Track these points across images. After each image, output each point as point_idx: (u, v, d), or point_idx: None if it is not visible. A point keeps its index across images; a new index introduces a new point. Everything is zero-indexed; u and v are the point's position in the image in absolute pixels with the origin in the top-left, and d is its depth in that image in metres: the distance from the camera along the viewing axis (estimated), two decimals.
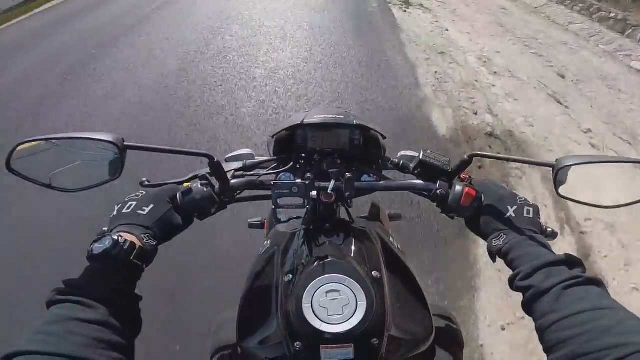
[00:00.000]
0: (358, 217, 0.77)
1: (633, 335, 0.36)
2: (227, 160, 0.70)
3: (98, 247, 0.47)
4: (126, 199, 0.56)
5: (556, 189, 0.52)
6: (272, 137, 0.69)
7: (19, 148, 0.50)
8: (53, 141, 0.51)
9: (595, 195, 0.53)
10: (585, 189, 0.53)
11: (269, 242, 0.73)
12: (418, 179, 0.64)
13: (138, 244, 0.49)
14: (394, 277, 0.61)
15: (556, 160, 0.51)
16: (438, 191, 0.59)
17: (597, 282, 0.44)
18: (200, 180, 0.60)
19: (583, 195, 0.53)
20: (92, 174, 0.54)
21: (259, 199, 0.68)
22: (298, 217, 0.78)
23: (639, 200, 0.52)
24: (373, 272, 0.56)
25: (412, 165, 0.65)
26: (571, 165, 0.50)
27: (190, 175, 0.63)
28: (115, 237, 0.48)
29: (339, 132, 0.66)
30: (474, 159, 0.59)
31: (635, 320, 0.39)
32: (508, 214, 0.53)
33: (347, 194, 0.60)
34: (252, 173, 0.66)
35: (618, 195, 0.53)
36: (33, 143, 0.51)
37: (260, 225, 1.07)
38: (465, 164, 0.59)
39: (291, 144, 0.68)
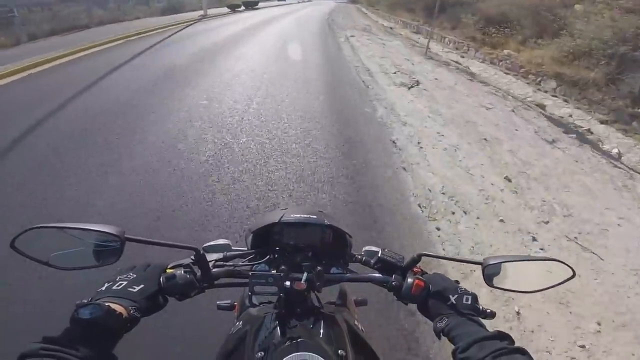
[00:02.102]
0: (326, 303, 0.84)
1: None
2: (204, 249, 0.78)
3: (86, 313, 0.52)
4: (117, 279, 0.62)
5: (485, 281, 0.66)
6: (251, 232, 0.78)
7: (27, 232, 0.56)
8: (61, 229, 0.57)
9: (519, 283, 0.67)
10: (511, 278, 0.67)
11: (240, 323, 0.77)
12: (378, 272, 0.75)
13: (125, 314, 0.55)
14: (358, 358, 0.67)
15: (483, 259, 0.65)
16: (393, 283, 0.70)
17: (522, 351, 0.54)
18: (183, 268, 0.67)
19: (509, 283, 0.67)
20: (91, 258, 0.60)
21: (236, 285, 0.75)
22: (269, 302, 0.83)
23: (551, 286, 0.65)
24: (339, 351, 0.62)
25: (372, 261, 0.76)
26: (495, 264, 0.64)
27: (175, 263, 0.70)
28: (105, 306, 0.53)
29: (311, 230, 0.76)
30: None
31: None
32: (450, 302, 0.64)
33: (318, 284, 0.68)
34: (231, 263, 0.74)
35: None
36: (41, 229, 0.56)
37: (230, 308, 1.08)
38: (414, 261, 0.71)
39: (268, 238, 0.77)
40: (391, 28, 15.62)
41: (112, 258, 0.60)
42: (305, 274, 0.68)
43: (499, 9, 9.50)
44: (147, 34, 11.86)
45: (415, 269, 0.72)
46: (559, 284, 0.65)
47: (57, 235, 0.57)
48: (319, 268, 0.69)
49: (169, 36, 11.31)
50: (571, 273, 0.64)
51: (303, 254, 0.75)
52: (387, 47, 10.25)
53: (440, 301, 0.65)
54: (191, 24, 14.93)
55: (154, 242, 0.62)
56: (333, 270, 0.76)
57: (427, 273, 0.73)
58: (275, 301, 0.77)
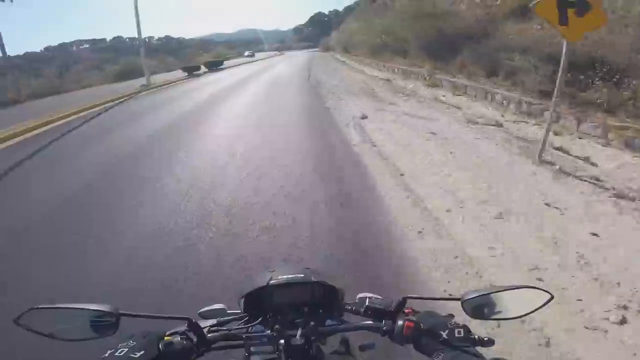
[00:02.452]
0: (331, 354, 0.84)
1: None
2: (200, 314, 0.83)
3: None
4: (118, 346, 0.66)
5: (466, 313, 0.68)
6: (242, 296, 0.81)
7: (29, 312, 0.63)
8: (62, 310, 0.64)
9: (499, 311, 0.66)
10: (491, 308, 0.67)
11: None
12: (369, 319, 0.77)
13: None
14: None
15: (461, 295, 0.67)
16: (384, 328, 0.72)
17: None
18: (180, 335, 0.71)
19: (490, 313, 0.68)
20: (91, 330, 0.66)
21: (233, 347, 0.77)
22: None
23: (531, 311, 0.66)
24: None
25: (362, 310, 0.78)
26: (473, 298, 0.66)
27: (172, 330, 0.74)
28: None
29: (301, 288, 0.79)
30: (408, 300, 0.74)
31: None
32: (442, 337, 0.65)
33: (313, 338, 0.71)
34: (225, 328, 0.77)
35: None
36: (43, 310, 0.64)
37: None
38: (401, 304, 0.74)
39: (260, 299, 0.80)
40: (400, 87, 10.24)
41: (110, 331, 0.65)
42: (299, 330, 0.70)
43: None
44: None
45: (406, 310, 0.74)
46: (539, 307, 0.66)
47: (58, 312, 0.64)
48: (312, 323, 0.72)
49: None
50: (548, 297, 0.65)
51: (297, 311, 0.78)
52: (450, 146, 4.77)
53: (432, 338, 0.66)
54: (120, 102, 11.22)
55: (147, 316, 0.67)
56: (328, 322, 0.78)
57: (418, 312, 0.74)
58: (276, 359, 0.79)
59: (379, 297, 0.79)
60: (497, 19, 8.08)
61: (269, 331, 0.72)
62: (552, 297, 0.64)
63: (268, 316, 0.78)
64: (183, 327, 0.73)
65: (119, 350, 0.64)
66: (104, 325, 0.65)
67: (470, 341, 0.64)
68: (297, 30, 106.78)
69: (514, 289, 0.67)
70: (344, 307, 0.82)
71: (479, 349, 0.64)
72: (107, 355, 0.64)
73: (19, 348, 1.78)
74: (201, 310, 0.83)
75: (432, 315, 0.71)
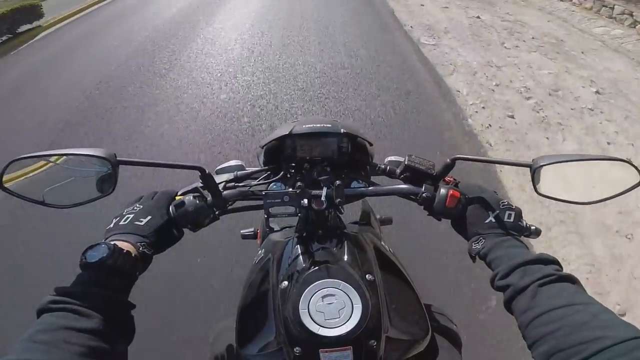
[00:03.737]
0: (350, 223, 0.79)
1: (607, 329, 0.38)
2: (217, 172, 0.71)
3: (93, 255, 0.48)
4: (123, 212, 0.57)
5: (535, 187, 0.55)
6: (262, 147, 0.70)
7: (10, 165, 0.50)
8: (45, 158, 0.51)
9: (575, 189, 0.55)
10: (562, 185, 0.56)
11: (263, 251, 0.74)
12: (405, 183, 0.66)
13: (134, 252, 0.51)
14: (387, 280, 0.63)
15: (532, 160, 0.54)
16: (424, 194, 0.62)
17: (572, 279, 0.46)
18: (192, 193, 0.61)
19: (564, 190, 0.56)
20: (85, 189, 0.54)
21: (251, 209, 0.69)
22: (290, 226, 0.79)
23: (612, 196, 0.54)
24: (367, 276, 0.58)
25: (398, 171, 0.67)
26: (546, 165, 0.52)
27: (184, 189, 0.64)
28: (112, 246, 0.48)
29: (327, 140, 0.68)
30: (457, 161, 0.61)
31: (608, 314, 0.40)
32: (489, 219, 0.56)
33: (338, 200, 0.60)
34: (243, 184, 0.67)
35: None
36: (26, 160, 0.51)
37: (253, 236, 1.08)
38: (448, 167, 0.62)
39: (281, 154, 0.69)
40: None
41: (107, 185, 0.54)
42: (324, 190, 0.61)
43: None
44: None
45: (447, 178, 0.63)
46: (624, 192, 0.53)
47: (46, 169, 0.52)
48: (338, 182, 0.61)
49: None
50: (639, 178, 0.52)
51: (320, 168, 0.67)
52: None
53: (478, 217, 0.57)
54: None
55: (150, 164, 0.55)
56: (354, 184, 0.69)
57: (461, 182, 0.64)
58: (295, 224, 0.73)
59: (420, 157, 0.66)
60: None
61: (290, 189, 0.63)
62: None
63: (288, 173, 0.69)
64: (195, 183, 0.63)
65: (124, 217, 0.55)
66: (101, 178, 0.54)
67: (519, 229, 0.56)
68: None
69: (600, 159, 0.55)
70: (374, 167, 0.71)
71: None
72: (111, 225, 0.55)
73: None
74: (218, 168, 0.73)
75: (482, 189, 0.61)
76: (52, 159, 0.52)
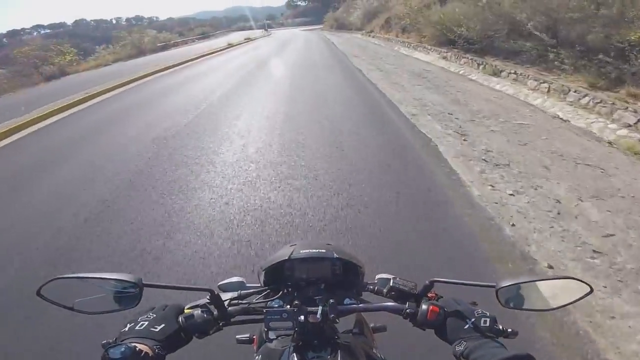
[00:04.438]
0: (343, 332, 0.83)
1: None
2: (220, 287, 0.81)
3: (115, 353, 0.54)
4: (138, 320, 0.64)
5: (500, 303, 0.66)
6: (262, 269, 0.80)
7: (51, 282, 0.60)
8: (84, 280, 0.61)
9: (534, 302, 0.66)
10: (526, 298, 0.67)
11: (259, 357, 0.77)
12: (391, 300, 0.75)
13: (151, 353, 0.57)
14: None
15: (496, 283, 0.65)
16: (408, 310, 0.70)
17: None
18: (201, 308, 0.69)
19: (524, 303, 0.67)
20: (113, 302, 0.63)
21: (253, 322, 0.76)
22: (287, 335, 0.83)
23: (568, 303, 0.65)
24: None
25: (385, 290, 0.77)
26: (508, 286, 0.64)
27: (192, 304, 0.72)
28: (132, 347, 0.55)
29: (322, 264, 0.77)
30: (435, 283, 0.72)
31: None
32: (467, 325, 0.64)
33: (332, 316, 0.69)
34: (246, 301, 0.76)
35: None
36: (65, 280, 0.61)
37: (249, 341, 1.09)
38: (427, 288, 0.72)
39: (280, 274, 0.78)
40: None
41: (132, 303, 0.63)
42: (320, 308, 0.69)
43: None
44: None
45: (430, 295, 0.73)
46: (577, 300, 0.65)
47: (80, 284, 0.61)
48: (331, 301, 0.70)
49: None
50: (588, 289, 0.63)
51: (315, 287, 0.76)
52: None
53: (458, 325, 0.65)
54: None
55: (170, 287, 0.65)
56: (346, 301, 0.76)
57: (442, 297, 0.73)
58: (292, 334, 0.78)
59: (404, 279, 0.77)
60: None
61: (288, 306, 0.71)
62: (592, 290, 0.63)
63: (287, 291, 0.77)
64: (203, 300, 0.71)
65: (139, 324, 0.63)
66: (127, 296, 0.63)
67: (495, 331, 0.63)
68: (292, 4, 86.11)
69: (552, 279, 0.66)
70: (364, 286, 0.80)
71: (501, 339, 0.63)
72: (126, 329, 0.62)
73: None
74: (220, 283, 0.81)
75: (458, 302, 0.70)
76: (89, 281, 0.61)
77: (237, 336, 1.09)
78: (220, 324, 0.70)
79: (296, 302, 0.70)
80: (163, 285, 0.65)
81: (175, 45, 28.13)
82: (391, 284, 0.75)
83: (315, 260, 0.77)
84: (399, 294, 0.74)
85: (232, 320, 0.72)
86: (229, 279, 0.83)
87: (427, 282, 0.71)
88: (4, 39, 64.63)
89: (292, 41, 24.12)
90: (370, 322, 1.02)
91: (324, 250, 0.77)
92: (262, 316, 0.71)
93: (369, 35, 20.66)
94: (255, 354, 0.86)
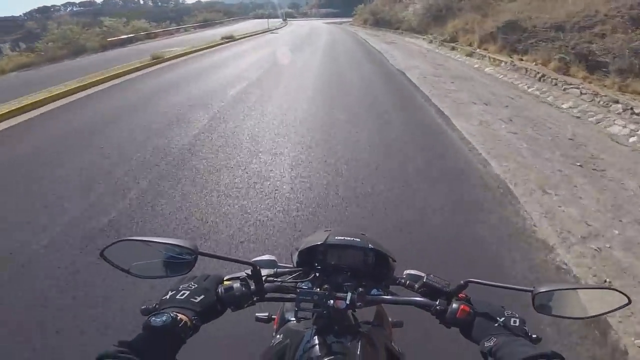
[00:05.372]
0: (363, 322, 0.86)
1: None
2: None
3: (158, 321, 0.57)
4: (179, 288, 0.68)
5: (535, 308, 0.66)
6: (297, 250, 0.83)
7: (116, 243, 0.64)
8: (146, 243, 0.64)
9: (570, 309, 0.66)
10: (562, 304, 0.66)
11: (280, 336, 0.81)
12: (421, 296, 0.75)
13: (189, 323, 0.60)
14: None
15: (533, 287, 0.66)
16: (438, 307, 0.71)
17: None
18: (240, 281, 0.73)
19: (560, 309, 0.67)
20: (166, 268, 0.67)
21: (283, 300, 0.79)
22: (307, 318, 0.86)
23: (603, 313, 0.65)
24: None
25: (417, 285, 0.78)
26: (545, 292, 0.65)
27: (230, 276, 0.75)
28: (174, 315, 0.59)
29: (355, 252, 0.80)
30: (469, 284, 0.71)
31: None
32: (497, 323, 0.65)
33: (359, 304, 0.71)
34: (280, 279, 0.79)
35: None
36: (129, 242, 0.64)
37: (267, 320, 1.12)
38: (461, 288, 0.72)
39: (312, 257, 0.81)
40: None
41: (185, 269, 0.66)
42: (349, 294, 0.71)
43: None
44: None
45: (460, 295, 0.73)
46: (613, 310, 0.65)
47: (139, 247, 0.64)
48: (360, 289, 0.73)
49: None
50: (626, 300, 0.63)
51: (345, 274, 0.79)
52: None
53: (487, 323, 0.66)
54: None
55: (221, 257, 0.68)
56: (373, 291, 0.78)
57: (473, 299, 0.73)
58: (312, 317, 0.80)
59: (437, 277, 0.77)
60: None
61: (318, 289, 0.73)
62: (630, 302, 0.64)
63: (317, 275, 0.80)
64: (242, 273, 0.74)
65: (180, 293, 0.66)
66: (182, 263, 0.66)
67: (523, 333, 0.64)
68: None
69: (592, 288, 0.66)
70: (394, 279, 0.82)
71: None
72: (168, 297, 0.66)
73: None
74: (254, 259, 0.83)
75: (489, 304, 0.71)
76: (148, 244, 0.65)
77: (256, 314, 1.13)
78: (255, 299, 0.73)
79: (326, 286, 0.73)
80: (215, 255, 0.67)
81: (151, 37, 20.49)
82: (425, 280, 0.76)
83: (349, 248, 0.79)
84: (430, 291, 0.75)
85: (266, 296, 0.75)
86: (262, 257, 0.86)
87: (461, 282, 0.72)
88: (36, 14, 65.84)
89: (306, 45, 15.75)
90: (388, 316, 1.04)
91: (358, 240, 0.79)
92: (292, 295, 0.74)
93: (454, 49, 11.86)
94: (274, 333, 0.90)
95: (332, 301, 0.70)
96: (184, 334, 0.59)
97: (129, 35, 18.81)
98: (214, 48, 15.13)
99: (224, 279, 0.74)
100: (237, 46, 15.89)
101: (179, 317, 0.59)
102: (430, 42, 14.42)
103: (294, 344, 0.74)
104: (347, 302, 0.70)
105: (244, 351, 1.68)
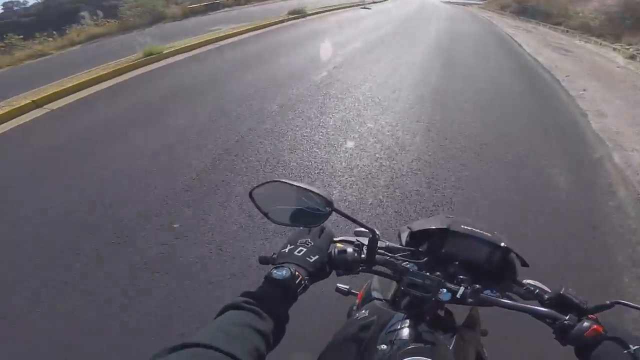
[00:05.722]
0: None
1: None
2: (355, 233, 0.81)
3: (279, 274, 0.60)
4: (297, 243, 0.69)
5: None
6: (409, 228, 0.79)
7: (266, 184, 0.66)
8: (292, 188, 0.65)
9: None
10: None
11: (367, 312, 0.79)
12: (547, 307, 0.68)
13: (303, 281, 0.62)
14: None
15: None
16: (566, 322, 0.63)
17: None
18: (353, 246, 0.72)
19: None
20: (299, 217, 0.68)
21: (388, 277, 0.77)
22: (396, 299, 0.85)
23: None
24: None
25: (546, 297, 0.70)
26: None
27: (342, 237, 0.75)
28: (293, 271, 0.61)
29: (480, 246, 0.73)
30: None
31: None
32: (628, 350, 0.56)
33: (470, 300, 0.66)
34: (390, 255, 0.76)
35: None
36: (274, 184, 0.66)
37: (346, 292, 1.11)
38: (604, 308, 0.64)
39: (423, 239, 0.78)
40: None
41: (317, 222, 0.66)
42: (461, 288, 0.67)
43: None
44: None
45: (591, 316, 0.66)
46: None
47: (280, 192, 0.66)
48: (477, 285, 0.67)
49: None
50: None
51: (458, 266, 0.73)
52: None
53: (615, 347, 0.58)
54: None
55: (349, 217, 0.67)
56: (487, 292, 0.71)
57: (605, 322, 0.65)
58: (404, 301, 0.79)
59: (574, 291, 0.69)
60: None
61: (432, 275, 0.69)
62: None
63: (427, 259, 0.76)
64: (352, 237, 0.74)
65: (298, 249, 0.67)
66: (315, 214, 0.66)
67: None
68: None
69: None
70: (521, 284, 0.74)
71: None
72: (286, 250, 0.68)
73: None
74: (357, 230, 0.81)
75: (624, 328, 0.63)
76: (291, 189, 0.65)
77: (338, 284, 1.11)
78: (363, 267, 0.72)
79: (438, 273, 0.69)
80: (345, 214, 0.66)
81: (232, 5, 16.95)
82: (561, 292, 0.68)
83: (476, 240, 0.73)
84: (562, 304, 0.67)
85: (373, 268, 0.73)
86: (361, 228, 0.84)
87: (607, 302, 0.64)
88: None
89: (403, 39, 9.74)
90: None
91: (489, 235, 0.73)
92: (398, 275, 0.71)
93: None
94: (358, 306, 0.91)
95: (444, 290, 0.67)
96: (299, 290, 0.61)
97: (214, 1, 16.98)
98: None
99: (334, 238, 0.74)
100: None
101: (296, 274, 0.61)
102: (632, 57, 8.86)
103: (381, 322, 0.72)
104: (458, 295, 0.66)
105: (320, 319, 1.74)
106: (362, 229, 0.82)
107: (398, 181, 3.11)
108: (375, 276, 0.90)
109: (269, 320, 0.54)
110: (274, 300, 0.58)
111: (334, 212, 0.65)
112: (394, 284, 0.90)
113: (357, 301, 1.04)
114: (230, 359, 0.43)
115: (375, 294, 0.91)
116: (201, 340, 0.44)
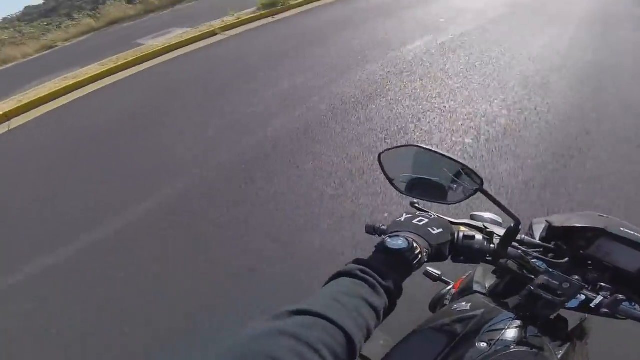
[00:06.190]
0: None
1: None
2: (472, 217, 0.73)
3: (395, 244, 0.52)
4: (417, 213, 0.62)
5: None
6: (553, 225, 0.70)
7: (400, 148, 0.60)
8: (431, 154, 0.57)
9: None
10: None
11: (468, 305, 0.74)
12: None
13: (420, 256, 0.53)
14: None
15: None
16: None
17: None
18: (483, 234, 0.63)
19: None
20: (429, 189, 0.60)
21: (518, 276, 0.67)
22: (497, 293, 0.78)
23: None
24: None
25: None
26: None
27: (462, 220, 0.67)
28: (411, 242, 0.52)
29: (638, 255, 0.62)
30: None
31: None
32: None
33: (604, 311, 0.58)
34: (524, 249, 0.66)
35: None
36: (410, 148, 0.59)
37: (435, 278, 1.06)
38: None
39: (560, 237, 0.68)
40: None
41: (456, 198, 0.58)
42: (599, 298, 0.59)
43: None
44: None
45: None
46: None
47: (417, 159, 0.59)
48: (620, 296, 0.58)
49: None
50: None
51: (599, 273, 0.64)
52: None
53: None
54: None
55: (497, 202, 0.58)
56: (626, 304, 0.61)
57: None
58: (506, 296, 0.73)
59: None
60: None
61: (572, 278, 0.60)
62: None
63: (566, 259, 0.66)
64: (477, 222, 0.66)
65: (418, 218, 0.59)
66: (455, 191, 0.59)
67: None
68: None
69: None
70: None
71: None
72: (403, 219, 0.60)
73: None
74: (473, 214, 0.74)
75: None
76: (437, 157, 0.57)
77: (428, 268, 1.05)
78: (487, 259, 0.63)
79: (577, 277, 0.61)
80: (492, 197, 0.58)
81: None
82: None
83: (634, 246, 0.62)
84: None
85: (500, 261, 0.64)
86: (484, 213, 0.75)
87: None
88: None
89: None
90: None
91: None
92: (529, 273, 0.63)
93: None
94: (455, 295, 0.85)
95: (583, 297, 0.58)
96: (416, 264, 0.53)
97: None
98: None
99: (455, 222, 0.66)
100: None
101: (415, 245, 0.53)
102: None
103: (485, 318, 0.65)
104: (593, 304, 0.58)
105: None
106: (482, 214, 0.75)
107: None
108: (479, 267, 0.83)
109: (383, 295, 0.48)
110: (390, 272, 0.50)
111: (483, 195, 0.56)
112: (492, 277, 0.82)
113: (453, 291, 0.98)
114: (342, 332, 0.40)
115: (477, 287, 0.85)
116: (314, 308, 0.41)
